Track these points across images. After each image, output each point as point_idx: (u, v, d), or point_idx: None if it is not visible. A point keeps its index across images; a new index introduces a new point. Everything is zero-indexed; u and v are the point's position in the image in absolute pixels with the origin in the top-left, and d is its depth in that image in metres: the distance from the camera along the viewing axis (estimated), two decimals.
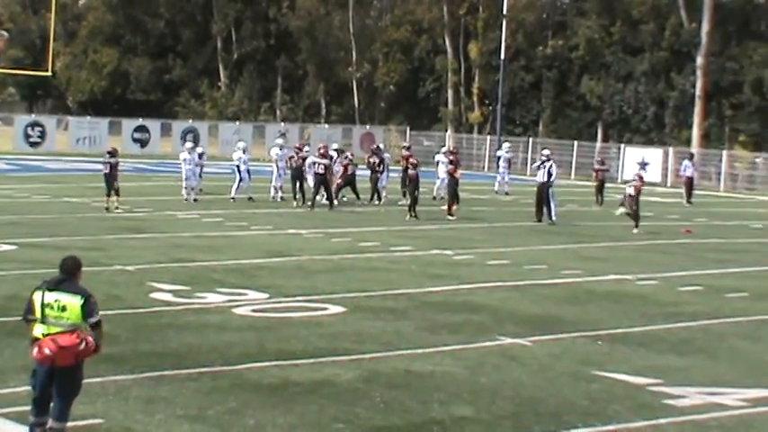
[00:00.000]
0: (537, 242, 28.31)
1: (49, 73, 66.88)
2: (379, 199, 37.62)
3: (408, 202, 33.37)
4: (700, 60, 60.78)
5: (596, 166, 42.95)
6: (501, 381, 13.40)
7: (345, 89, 78.78)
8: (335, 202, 35.87)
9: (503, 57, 62.81)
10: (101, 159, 34.18)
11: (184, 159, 36.24)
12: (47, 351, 9.74)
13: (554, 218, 32.83)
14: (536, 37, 69.60)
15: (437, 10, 72.31)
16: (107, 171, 32.17)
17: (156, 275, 20.11)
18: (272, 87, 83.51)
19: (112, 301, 17.11)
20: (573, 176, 58.88)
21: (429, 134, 68.79)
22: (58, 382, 9.89)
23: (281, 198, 36.82)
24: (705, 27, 60.72)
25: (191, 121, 69.15)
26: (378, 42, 76.69)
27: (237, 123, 68.49)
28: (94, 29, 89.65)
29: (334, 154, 37.70)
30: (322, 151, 35.79)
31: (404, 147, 42.67)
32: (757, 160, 50.99)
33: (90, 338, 9.89)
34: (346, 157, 37.98)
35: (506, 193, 43.58)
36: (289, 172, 36.64)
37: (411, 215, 32.59)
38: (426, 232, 29.76)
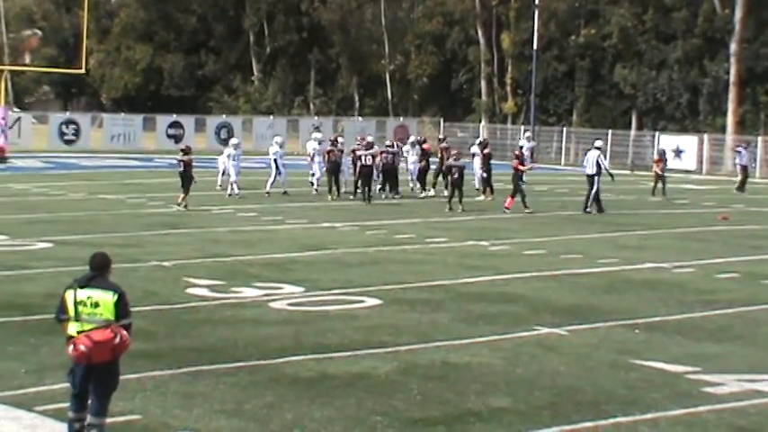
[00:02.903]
0: (572, 231, 28.22)
1: (83, 71, 67.14)
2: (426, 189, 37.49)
3: (448, 193, 33.27)
4: (733, 47, 60.30)
5: (656, 157, 41.49)
6: (538, 371, 13.37)
7: (378, 82, 78.75)
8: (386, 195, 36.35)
9: (535, 46, 62.58)
10: (176, 157, 33.96)
11: (229, 155, 36.22)
12: (82, 348, 9.78)
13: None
14: (568, 26, 69.28)
15: (469, 1, 72.13)
16: (181, 169, 32.03)
17: (192, 271, 20.18)
18: (305, 81, 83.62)
19: (149, 297, 17.19)
20: (608, 165, 58.55)
21: (463, 125, 68.69)
22: (95, 379, 9.94)
23: (316, 191, 36.90)
24: (738, 13, 60.23)
25: (224, 116, 69.39)
26: (410, 35, 76.60)
27: (271, 118, 68.63)
28: (127, 26, 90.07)
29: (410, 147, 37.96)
30: (368, 142, 35.89)
31: (439, 139, 42.43)
32: None
33: (124, 332, 9.92)
34: (386, 146, 37.67)
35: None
36: (325, 166, 36.67)
37: (451, 207, 32.38)
38: (461, 223, 29.72)
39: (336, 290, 18.56)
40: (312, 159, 38.00)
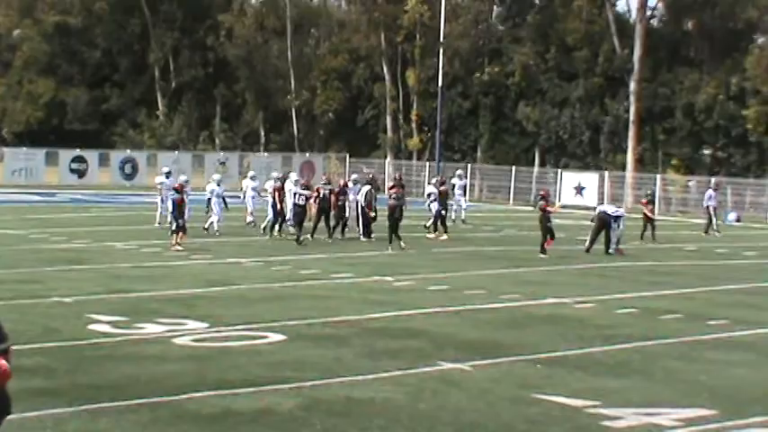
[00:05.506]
0: (476, 267, 28.46)
1: None
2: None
3: (389, 232, 32.43)
4: (632, 86, 61.59)
5: (644, 200, 40.06)
6: (441, 406, 13.46)
7: (284, 117, 78.87)
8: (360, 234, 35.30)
9: (440, 84, 63.26)
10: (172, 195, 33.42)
11: (212, 191, 36.18)
12: None
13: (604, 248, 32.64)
14: (472, 64, 70.14)
15: (374, 38, 72.68)
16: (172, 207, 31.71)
17: (95, 307, 19.97)
18: (210, 116, 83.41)
19: (50, 333, 16.95)
20: (512, 202, 59.26)
21: (368, 161, 69.01)
22: None
23: (263, 230, 36.23)
24: (637, 53, 61.57)
25: (129, 150, 68.91)
26: (316, 70, 76.92)
27: (176, 153, 68.31)
28: (29, 59, 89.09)
29: (351, 185, 37.00)
30: (304, 182, 35.46)
31: (395, 177, 41.74)
32: (690, 183, 51.68)
33: (2, 362, 9.74)
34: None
35: (463, 221, 43.47)
36: (259, 203, 37.47)
37: (396, 245, 32.00)
38: (367, 259, 29.82)
39: (240, 325, 18.51)
40: (244, 195, 38.66)
